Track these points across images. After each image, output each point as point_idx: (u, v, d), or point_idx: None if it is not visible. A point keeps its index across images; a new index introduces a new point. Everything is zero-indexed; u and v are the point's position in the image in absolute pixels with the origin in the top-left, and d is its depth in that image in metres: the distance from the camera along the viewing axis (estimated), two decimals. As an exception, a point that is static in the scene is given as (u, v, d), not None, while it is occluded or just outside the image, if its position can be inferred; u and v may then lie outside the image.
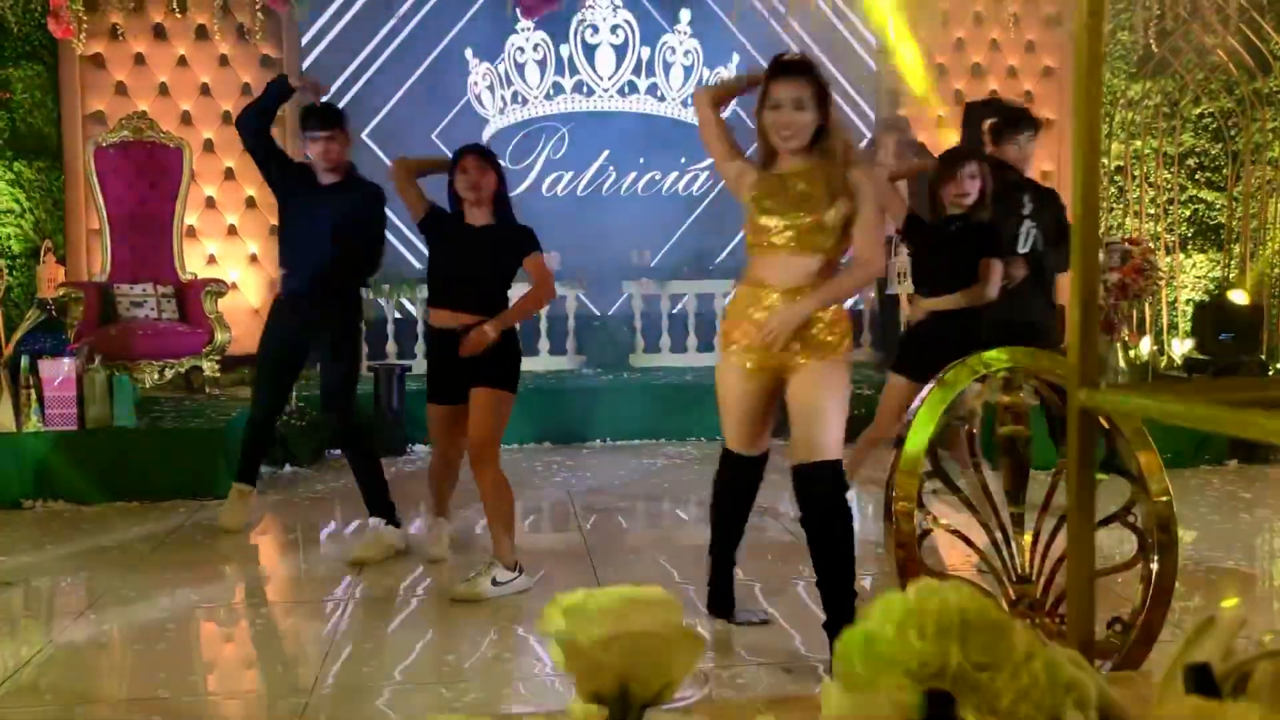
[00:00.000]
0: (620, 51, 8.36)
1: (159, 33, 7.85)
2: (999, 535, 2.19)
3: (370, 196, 4.70)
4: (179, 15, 7.62)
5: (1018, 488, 2.20)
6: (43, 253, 6.87)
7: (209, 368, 6.84)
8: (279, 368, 4.77)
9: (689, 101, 8.47)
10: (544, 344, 7.66)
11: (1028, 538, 2.19)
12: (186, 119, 7.91)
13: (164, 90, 7.89)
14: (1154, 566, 2.23)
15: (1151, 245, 7.76)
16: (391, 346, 7.70)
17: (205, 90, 7.95)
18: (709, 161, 8.58)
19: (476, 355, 4.03)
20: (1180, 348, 7.84)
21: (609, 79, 8.36)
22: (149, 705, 3.06)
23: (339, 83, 8.19)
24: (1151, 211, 8.28)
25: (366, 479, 4.72)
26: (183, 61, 7.91)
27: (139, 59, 7.86)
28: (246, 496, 4.93)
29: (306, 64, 8.14)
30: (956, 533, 2.27)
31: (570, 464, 6.36)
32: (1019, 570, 2.21)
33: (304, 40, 8.11)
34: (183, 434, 5.64)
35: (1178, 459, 5.80)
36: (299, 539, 5.04)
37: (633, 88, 8.39)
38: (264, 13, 7.54)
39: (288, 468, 6.19)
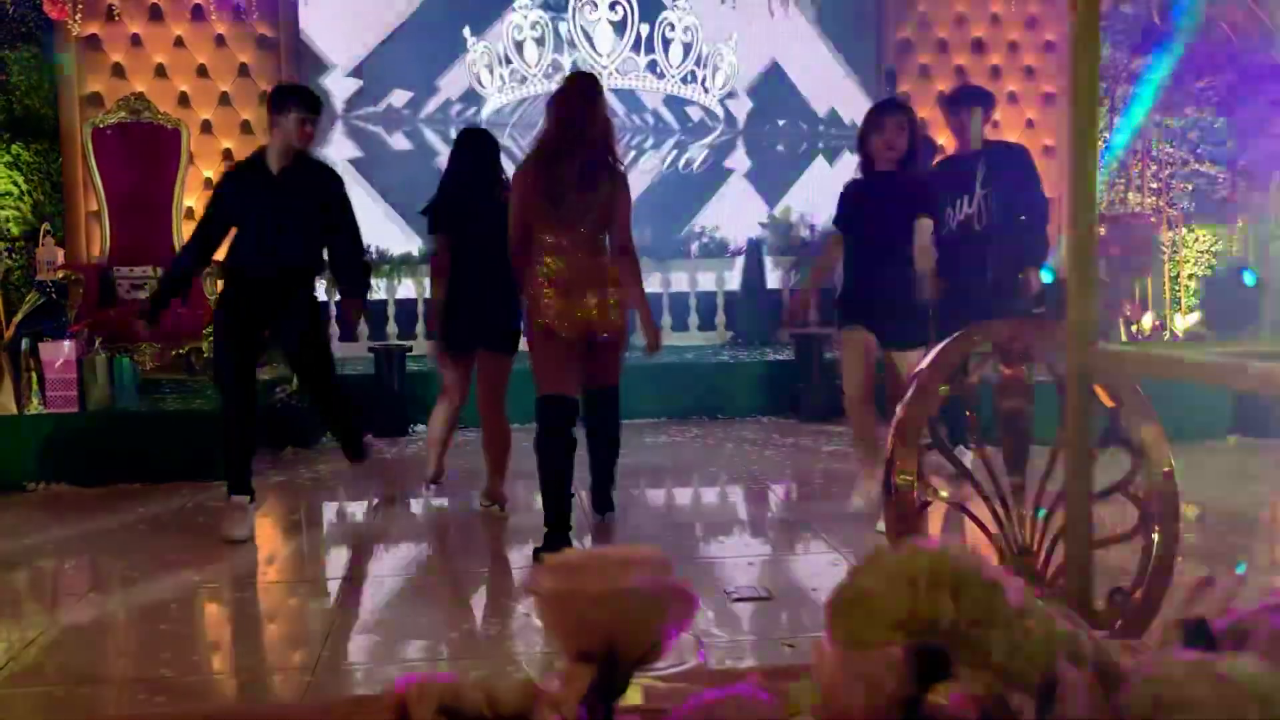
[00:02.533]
0: (619, 28, 8.31)
1: (155, 13, 7.81)
2: (999, 507, 2.18)
3: (333, 176, 4.67)
4: (175, -5, 7.58)
5: (1019, 458, 2.19)
6: (41, 235, 6.86)
7: (209, 349, 6.83)
8: (246, 361, 4.54)
9: (689, 78, 8.44)
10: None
11: (1040, 514, 2.18)
12: (184, 100, 7.87)
13: (161, 71, 7.85)
14: (1155, 538, 2.22)
15: (1153, 220, 7.73)
16: (392, 328, 7.70)
17: (203, 71, 7.92)
18: (708, 139, 8.62)
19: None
20: (1183, 323, 7.82)
21: (608, 56, 8.32)
22: (153, 685, 3.06)
23: (337, 62, 8.16)
24: (1154, 186, 8.24)
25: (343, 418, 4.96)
26: (179, 42, 7.87)
27: (135, 40, 7.82)
28: (247, 506, 4.68)
29: (303, 43, 8.10)
30: (957, 505, 2.27)
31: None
32: (1020, 542, 2.21)
33: (300, 20, 8.06)
34: (184, 416, 5.64)
35: (1179, 434, 5.75)
36: (301, 519, 5.04)
37: (632, 65, 8.35)
38: (260, -8, 7.50)
39: (289, 449, 6.19)
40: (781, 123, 8.67)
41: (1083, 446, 0.95)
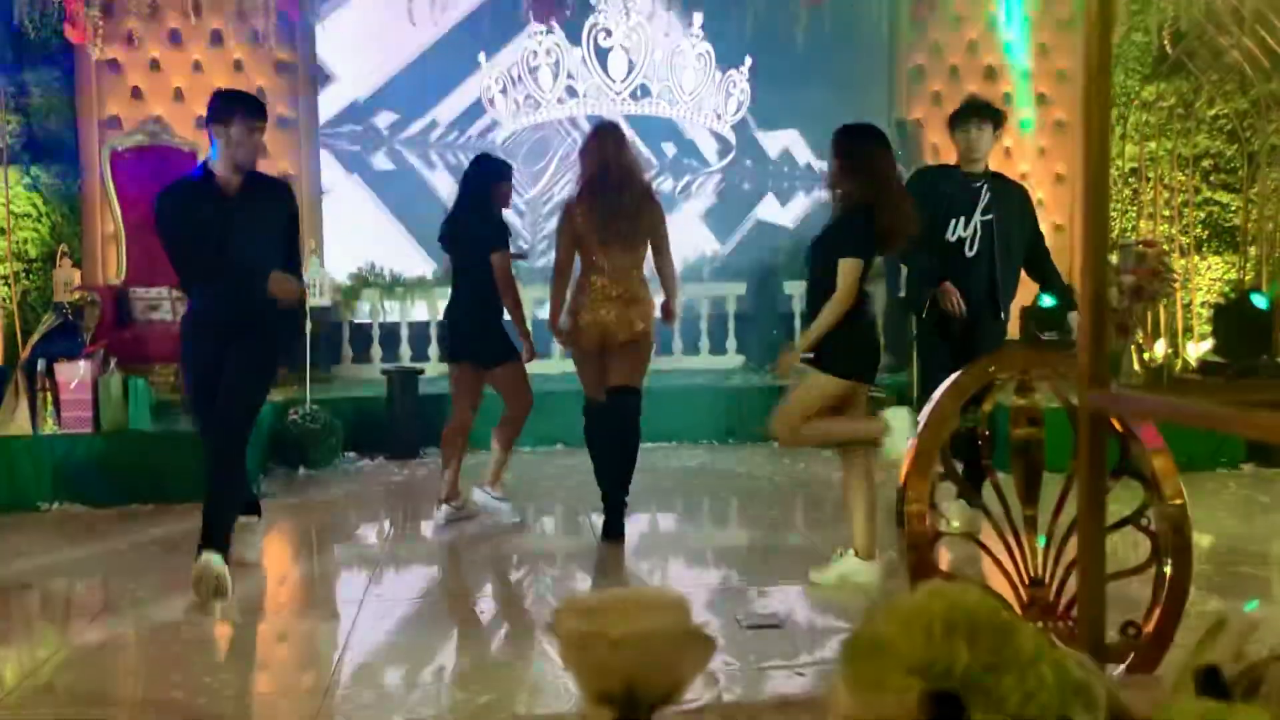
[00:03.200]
0: (633, 55, 8.37)
1: (174, 38, 7.89)
2: (1011, 538, 2.18)
3: (287, 190, 4.38)
4: (194, 21, 7.66)
5: (1031, 490, 2.19)
6: (59, 257, 6.91)
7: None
8: (212, 394, 4.09)
9: (702, 105, 8.49)
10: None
11: (1040, 541, 2.19)
12: (201, 123, 7.93)
13: (179, 95, 7.93)
14: (1167, 570, 2.22)
15: (1166, 248, 7.72)
16: (405, 350, 7.72)
17: (220, 95, 7.98)
18: (720, 164, 8.66)
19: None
20: (1195, 350, 7.79)
21: (621, 82, 8.37)
22: (164, 706, 3.07)
23: (351, 86, 8.23)
24: (1166, 214, 8.24)
25: (225, 489, 4.10)
26: (198, 66, 7.94)
27: (154, 64, 7.90)
28: (256, 527, 4.54)
29: (318, 67, 8.18)
30: (968, 535, 2.27)
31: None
32: (1032, 573, 2.21)
33: (317, 45, 8.14)
34: (196, 437, 5.65)
35: (1193, 462, 5.75)
36: (313, 541, 5.06)
37: (645, 91, 8.40)
38: (278, 17, 7.57)
39: (301, 470, 6.21)
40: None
41: (1096, 485, 0.96)
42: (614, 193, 4.59)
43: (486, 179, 5.03)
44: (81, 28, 7.19)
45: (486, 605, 4.07)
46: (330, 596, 4.31)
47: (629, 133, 5.19)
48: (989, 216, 4.76)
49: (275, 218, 4.15)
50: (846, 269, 3.88)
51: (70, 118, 7.69)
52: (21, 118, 7.43)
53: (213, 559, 3.92)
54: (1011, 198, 4.91)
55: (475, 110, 8.36)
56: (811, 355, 3.96)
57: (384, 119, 8.29)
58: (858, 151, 4.00)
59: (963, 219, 4.75)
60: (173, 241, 4.07)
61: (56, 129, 7.62)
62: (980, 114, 4.89)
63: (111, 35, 7.56)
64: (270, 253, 4.08)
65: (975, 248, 4.75)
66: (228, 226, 3.99)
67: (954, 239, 4.75)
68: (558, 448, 6.79)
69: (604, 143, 4.68)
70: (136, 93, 7.87)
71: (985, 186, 4.81)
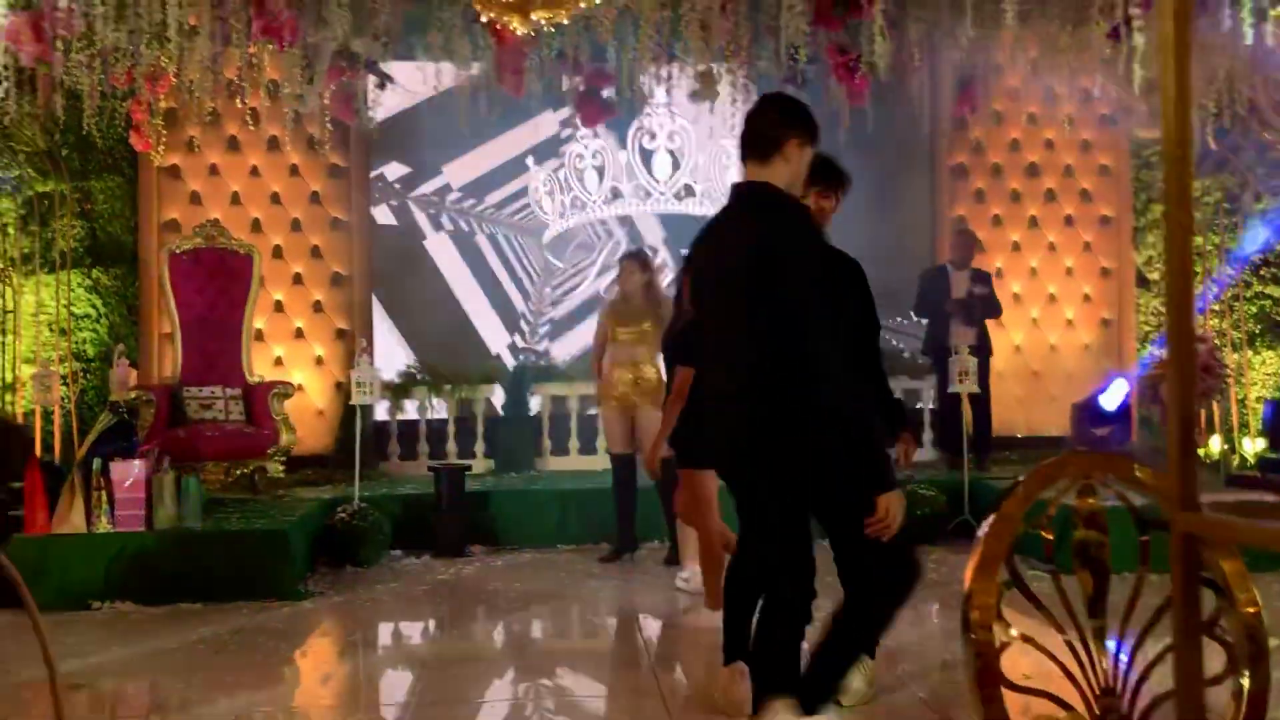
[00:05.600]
0: (676, 157, 8.53)
1: (233, 144, 8.16)
2: (1080, 647, 2.12)
3: None
4: (252, 128, 7.92)
5: (1099, 595, 2.14)
6: (116, 356, 7.07)
7: (274, 468, 6.93)
8: None
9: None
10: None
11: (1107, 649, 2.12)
12: (257, 226, 8.16)
13: (236, 199, 8.17)
14: (1244, 682, 2.14)
15: (1218, 342, 7.64)
16: (451, 446, 7.76)
17: (275, 199, 8.22)
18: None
19: None
20: (1251, 447, 7.65)
21: (665, 183, 8.52)
22: (211, 813, 3.03)
23: (402, 189, 8.44)
24: (1216, 308, 8.17)
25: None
26: (255, 171, 8.20)
27: (213, 169, 8.16)
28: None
29: (374, 173, 8.41)
30: (1032, 641, 2.20)
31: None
32: (1103, 683, 2.14)
33: (371, 150, 8.37)
34: (246, 535, 5.69)
35: (1263, 562, 5.58)
36: (359, 641, 5.02)
37: (689, 191, 8.53)
38: (333, 124, 7.82)
39: (349, 568, 6.20)
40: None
41: (1191, 611, 0.93)
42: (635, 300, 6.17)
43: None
44: (145, 136, 7.46)
45: (532, 708, 4.00)
46: (375, 699, 4.26)
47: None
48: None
49: None
50: None
51: (131, 221, 7.93)
52: (85, 223, 7.68)
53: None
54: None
55: (525, 211, 8.58)
56: None
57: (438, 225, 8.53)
58: None
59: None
60: None
61: (118, 232, 7.86)
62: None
63: (173, 142, 7.84)
64: None
65: None
66: None
67: None
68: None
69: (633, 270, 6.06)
70: (195, 197, 8.11)
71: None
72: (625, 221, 8.60)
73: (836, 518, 2.98)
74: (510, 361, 8.46)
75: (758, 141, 3.03)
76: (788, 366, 2.85)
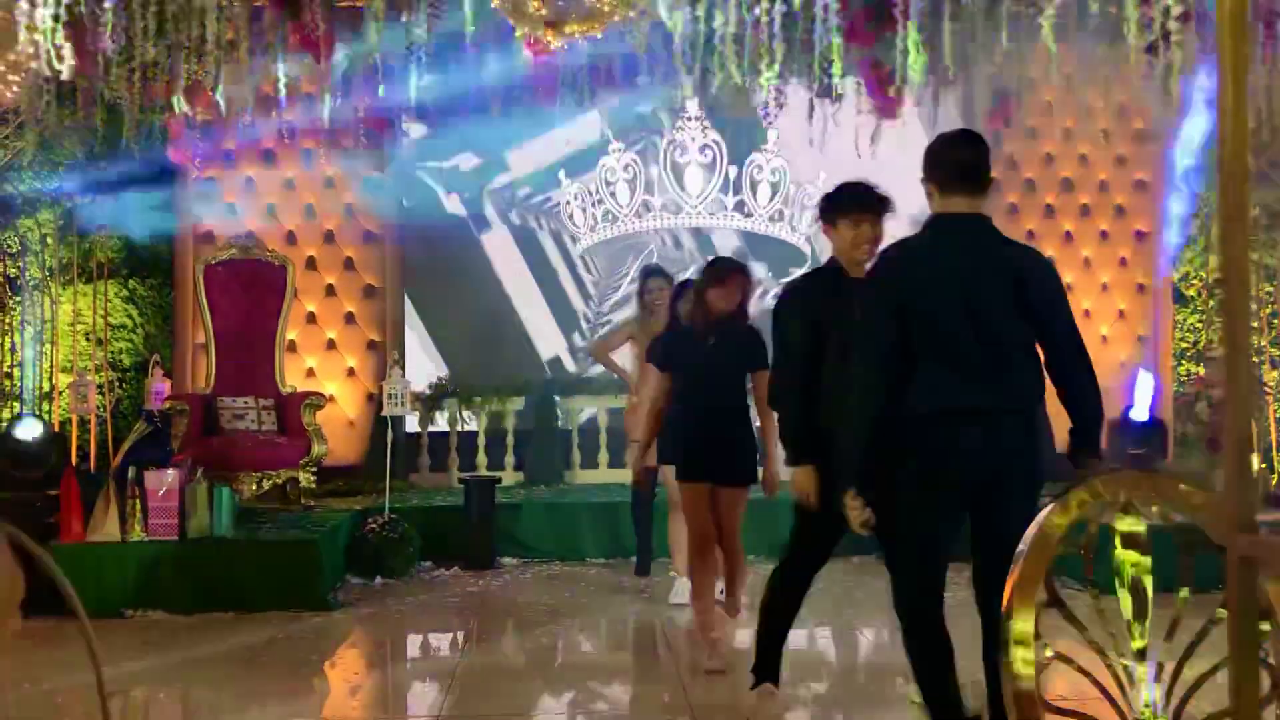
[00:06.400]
0: (709, 171, 8.53)
1: (268, 157, 8.24)
2: (1121, 669, 2.09)
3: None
4: (288, 141, 7.99)
5: (1140, 615, 2.11)
6: (151, 366, 7.13)
7: (305, 479, 6.96)
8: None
9: (777, 216, 8.58)
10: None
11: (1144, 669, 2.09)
12: (291, 238, 8.23)
13: (271, 211, 8.24)
14: (1289, 706, 2.10)
15: (1256, 359, 7.54)
16: (481, 459, 7.78)
17: (310, 211, 8.29)
18: (798, 273, 8.69)
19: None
20: (1291, 465, 7.52)
21: (697, 197, 8.52)
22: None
23: (436, 203, 8.49)
24: (1254, 325, 8.06)
25: None
26: (289, 184, 8.27)
27: (249, 182, 8.24)
28: None
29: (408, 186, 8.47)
30: (1071, 661, 2.17)
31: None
32: (1143, 705, 2.11)
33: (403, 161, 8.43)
34: (278, 545, 5.72)
35: (1297, 584, 5.50)
36: (388, 652, 5.04)
37: (720, 205, 8.53)
38: (367, 137, 7.86)
39: (378, 580, 6.21)
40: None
41: (1249, 636, 0.92)
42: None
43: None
44: (183, 149, 7.54)
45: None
46: (403, 710, 4.27)
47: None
48: None
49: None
50: None
51: (168, 233, 8.02)
52: (123, 235, 7.77)
53: None
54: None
55: (556, 225, 8.62)
56: None
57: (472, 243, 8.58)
58: None
59: None
60: None
61: (154, 244, 7.95)
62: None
63: (210, 155, 7.91)
64: None
65: None
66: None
67: None
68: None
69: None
70: (230, 209, 8.19)
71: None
72: (698, 234, 8.64)
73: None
74: (570, 366, 8.51)
75: (971, 174, 3.09)
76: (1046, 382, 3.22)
